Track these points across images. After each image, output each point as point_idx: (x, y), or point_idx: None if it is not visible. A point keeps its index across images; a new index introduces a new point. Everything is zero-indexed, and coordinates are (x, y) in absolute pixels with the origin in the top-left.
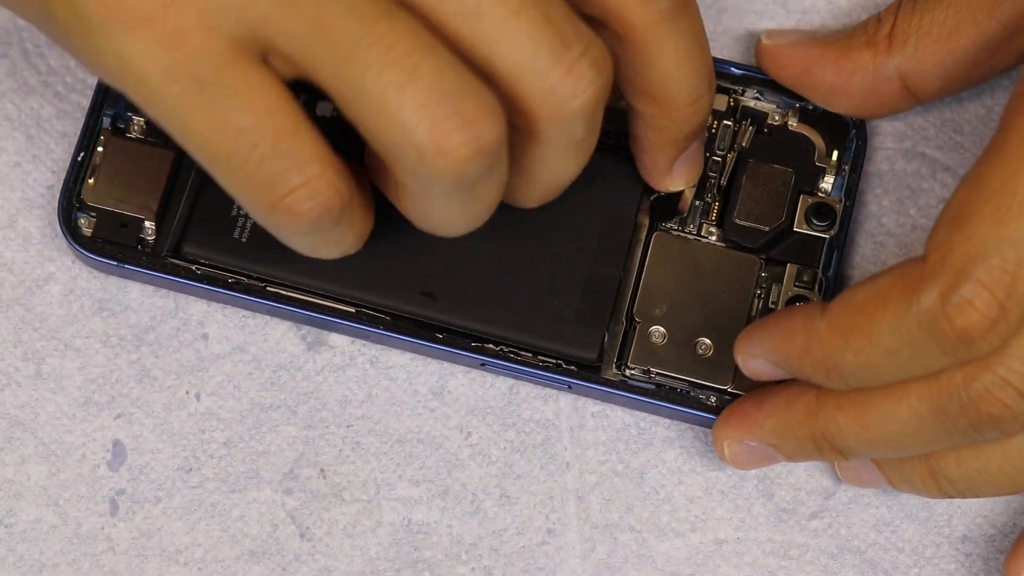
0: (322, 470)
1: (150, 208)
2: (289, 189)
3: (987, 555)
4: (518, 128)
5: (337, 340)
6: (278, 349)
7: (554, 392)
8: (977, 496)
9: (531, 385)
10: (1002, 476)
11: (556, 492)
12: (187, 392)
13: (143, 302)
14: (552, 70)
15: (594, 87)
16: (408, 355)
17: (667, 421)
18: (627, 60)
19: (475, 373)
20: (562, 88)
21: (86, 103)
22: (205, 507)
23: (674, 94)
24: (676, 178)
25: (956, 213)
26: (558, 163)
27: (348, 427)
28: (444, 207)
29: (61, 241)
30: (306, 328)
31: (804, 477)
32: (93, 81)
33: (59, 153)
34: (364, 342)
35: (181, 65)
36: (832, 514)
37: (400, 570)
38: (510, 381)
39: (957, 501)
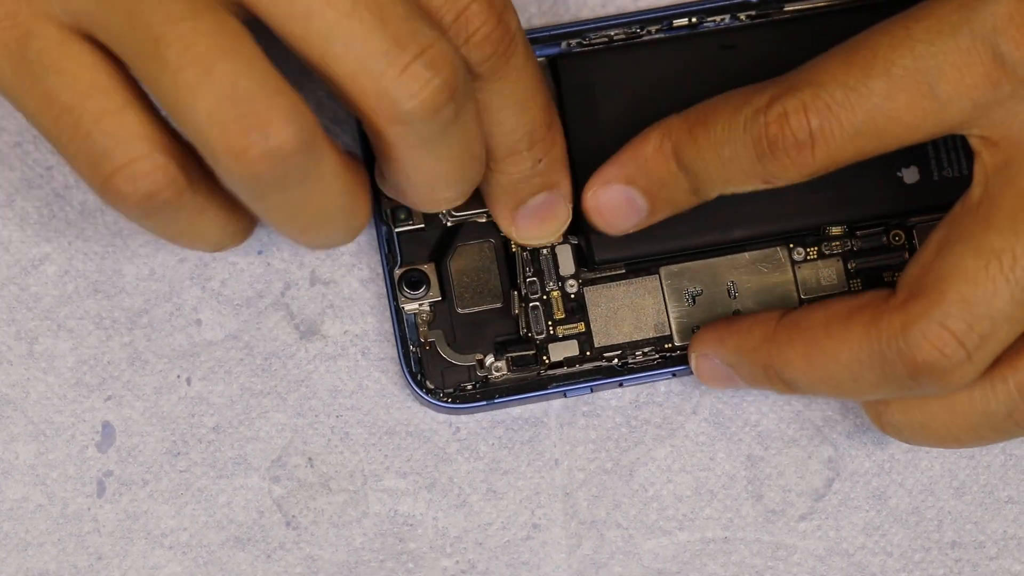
0: (310, 459)
1: None
2: (112, 168)
3: (976, 561)
4: (370, 132)
5: (329, 330)
6: (271, 337)
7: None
8: (920, 446)
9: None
10: (945, 432)
11: (543, 488)
12: (178, 376)
13: (138, 285)
14: (385, 72)
15: (430, 88)
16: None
17: (659, 419)
18: None
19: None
20: (396, 90)
21: None
22: (192, 491)
23: (493, 144)
24: (521, 230)
25: (830, 52)
26: (425, 162)
27: (337, 417)
28: (267, 211)
29: (58, 222)
30: (299, 317)
31: (794, 479)
32: None
33: None
34: (354, 336)
35: (10, 46)
36: (821, 516)
37: (384, 561)
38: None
39: (948, 508)
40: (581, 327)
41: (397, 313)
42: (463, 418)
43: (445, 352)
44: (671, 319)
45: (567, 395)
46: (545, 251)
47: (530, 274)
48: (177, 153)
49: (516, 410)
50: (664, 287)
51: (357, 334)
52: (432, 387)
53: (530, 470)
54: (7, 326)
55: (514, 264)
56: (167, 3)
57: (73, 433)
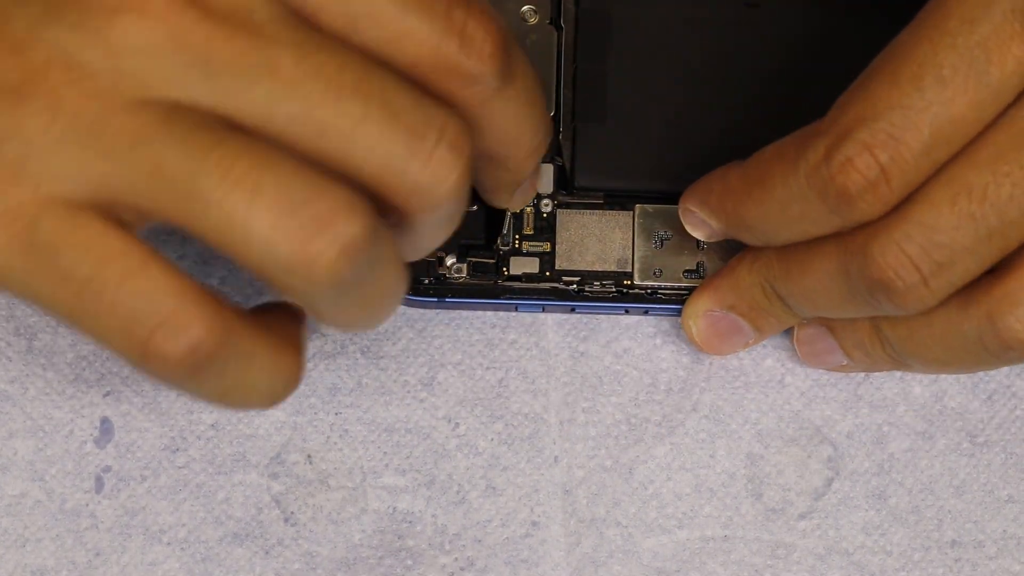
0: (309, 456)
1: None
2: (147, 330)
3: (976, 560)
4: (393, 215)
5: (329, 328)
6: None
7: (544, 386)
8: (914, 361)
9: (521, 379)
10: (925, 347)
11: (542, 485)
12: None
13: None
14: (411, 166)
15: (457, 171)
16: (400, 345)
17: (659, 417)
18: None
19: (465, 365)
20: (425, 180)
21: None
22: (190, 488)
23: (511, 154)
24: (516, 204)
25: (862, 78)
26: (437, 234)
27: (336, 414)
28: (339, 311)
29: None
30: None
31: (794, 477)
32: None
33: None
34: (353, 333)
35: (18, 238)
36: (821, 515)
37: (383, 558)
38: (499, 374)
39: (948, 507)
40: (547, 247)
41: None
42: (463, 412)
43: None
44: (635, 257)
45: (518, 309)
46: None
47: None
48: (211, 301)
49: (515, 406)
50: (636, 224)
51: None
52: None
53: (529, 467)
54: (6, 322)
55: None
56: (188, 143)
57: (72, 429)
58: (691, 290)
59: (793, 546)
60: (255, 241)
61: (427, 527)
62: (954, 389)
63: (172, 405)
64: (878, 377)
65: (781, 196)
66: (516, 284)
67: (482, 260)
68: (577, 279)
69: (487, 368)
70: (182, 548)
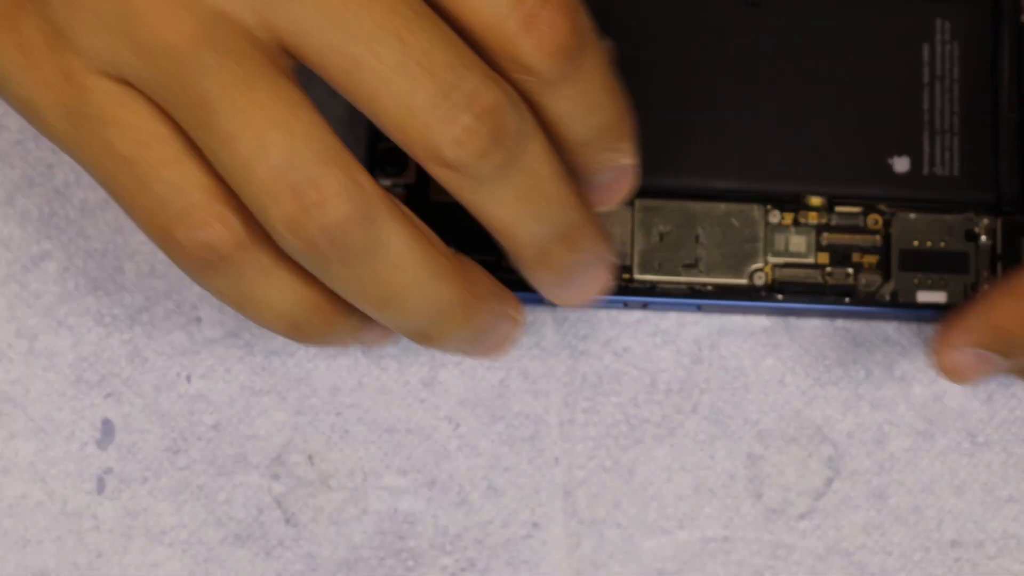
0: (310, 456)
1: None
2: (171, 216)
3: (976, 560)
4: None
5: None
6: (271, 335)
7: (544, 386)
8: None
9: (522, 379)
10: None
11: (543, 486)
12: (178, 374)
13: (138, 283)
14: (431, 122)
15: (472, 134)
16: (400, 346)
17: (659, 418)
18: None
19: (466, 365)
20: (441, 139)
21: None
22: (191, 489)
23: (575, 149)
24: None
25: None
26: (488, 207)
27: (337, 415)
28: (334, 284)
29: (59, 220)
30: None
31: (794, 478)
32: None
33: None
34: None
35: (68, 104)
36: (821, 515)
37: (384, 559)
38: (500, 374)
39: (948, 507)
40: None
41: None
42: (463, 413)
43: None
44: (635, 251)
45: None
46: None
47: None
48: (238, 208)
49: (516, 406)
50: (636, 219)
51: None
52: None
53: (530, 468)
54: (7, 323)
55: None
56: (219, 69)
57: (73, 430)
58: (689, 285)
59: (793, 546)
60: (246, 190)
61: (428, 528)
62: (954, 389)
63: (173, 406)
64: (878, 376)
65: None
66: (513, 277)
67: (479, 258)
68: None
69: (488, 368)
70: (183, 549)
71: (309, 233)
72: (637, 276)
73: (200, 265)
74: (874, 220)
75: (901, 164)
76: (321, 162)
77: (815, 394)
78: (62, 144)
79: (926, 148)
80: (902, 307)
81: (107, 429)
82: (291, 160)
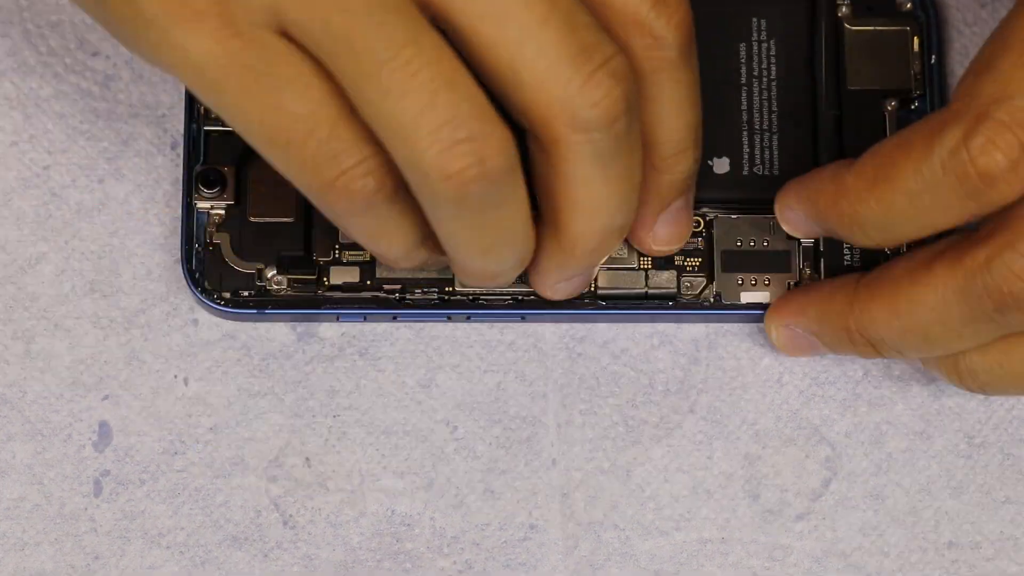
0: (307, 459)
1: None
2: (344, 168)
3: (973, 562)
4: (543, 147)
5: (327, 331)
6: (268, 338)
7: (541, 389)
8: (997, 392)
9: (519, 382)
10: (1022, 370)
11: (540, 488)
12: (175, 376)
13: (135, 285)
14: (572, 78)
15: (610, 98)
16: (398, 347)
17: (656, 419)
18: None
19: (463, 367)
20: (580, 96)
21: (85, 85)
22: (189, 491)
23: (661, 141)
24: (659, 236)
25: (982, 62)
26: (594, 183)
27: (335, 417)
28: (459, 228)
29: (55, 221)
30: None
31: (792, 479)
32: (93, 63)
33: (56, 133)
34: (357, 331)
35: (236, 56)
36: (818, 517)
37: (381, 561)
38: (497, 377)
39: (945, 508)
40: (367, 256)
41: (188, 209)
42: (461, 416)
43: (228, 256)
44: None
45: (340, 319)
46: None
47: None
48: (389, 162)
49: (513, 409)
50: None
51: (354, 335)
52: (209, 288)
53: (527, 470)
54: (4, 325)
55: None
56: (387, 27)
57: (70, 433)
58: (513, 296)
59: (790, 547)
60: (408, 141)
61: (425, 530)
62: (952, 389)
63: (171, 409)
64: (876, 376)
65: (911, 188)
66: (337, 295)
67: (301, 276)
68: (399, 287)
69: (485, 371)
70: (181, 552)
71: (464, 184)
72: (459, 288)
73: (361, 207)
74: (696, 222)
75: (721, 165)
76: (482, 119)
77: (813, 393)
78: (217, 98)
79: (745, 148)
80: (726, 308)
81: (104, 431)
82: (457, 117)
